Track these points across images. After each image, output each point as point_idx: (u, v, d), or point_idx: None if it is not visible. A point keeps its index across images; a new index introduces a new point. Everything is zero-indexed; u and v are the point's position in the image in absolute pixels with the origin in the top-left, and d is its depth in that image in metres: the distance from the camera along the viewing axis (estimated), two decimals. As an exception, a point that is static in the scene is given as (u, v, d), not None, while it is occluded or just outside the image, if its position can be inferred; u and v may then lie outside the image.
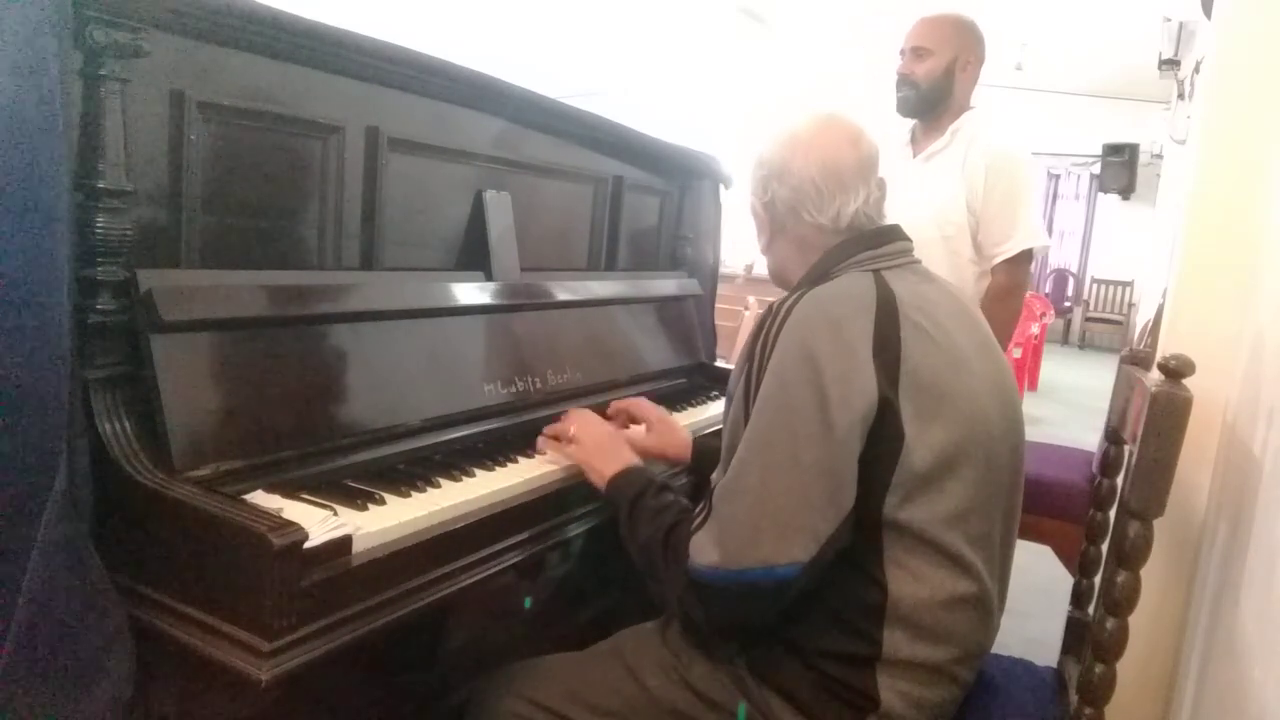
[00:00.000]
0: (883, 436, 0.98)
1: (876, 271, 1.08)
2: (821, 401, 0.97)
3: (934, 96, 2.13)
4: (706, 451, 1.45)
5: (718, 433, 1.67)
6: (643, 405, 1.51)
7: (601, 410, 1.48)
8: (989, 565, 1.07)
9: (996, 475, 1.07)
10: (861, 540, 1.01)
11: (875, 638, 1.02)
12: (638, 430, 1.48)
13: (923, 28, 2.16)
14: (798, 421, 0.98)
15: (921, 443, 0.99)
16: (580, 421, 1.32)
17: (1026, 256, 2.09)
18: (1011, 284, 2.09)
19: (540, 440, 1.34)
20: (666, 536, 1.08)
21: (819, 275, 1.10)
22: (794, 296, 1.05)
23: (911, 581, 1.01)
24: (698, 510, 1.08)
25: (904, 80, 2.16)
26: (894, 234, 1.15)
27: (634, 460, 1.25)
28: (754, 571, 0.99)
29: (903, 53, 2.18)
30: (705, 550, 1.01)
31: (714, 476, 1.11)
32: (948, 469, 1.01)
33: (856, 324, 1.01)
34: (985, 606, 1.07)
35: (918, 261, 1.16)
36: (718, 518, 1.02)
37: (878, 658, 1.02)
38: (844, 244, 1.12)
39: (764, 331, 1.05)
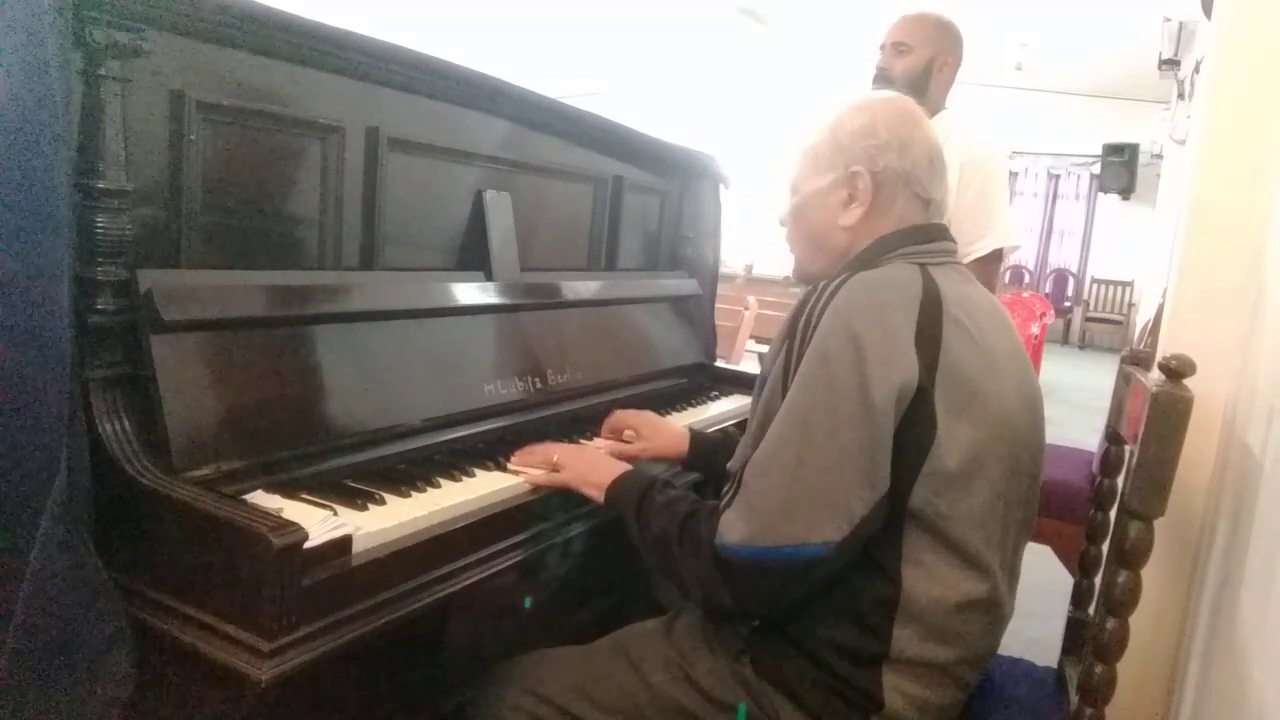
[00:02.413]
0: (916, 424, 0.98)
1: (922, 265, 1.08)
2: (862, 382, 0.97)
3: (909, 94, 2.12)
4: (705, 444, 1.45)
5: (724, 427, 1.69)
6: (624, 414, 1.49)
7: (603, 411, 1.47)
8: (1004, 570, 1.07)
9: (1018, 480, 1.07)
10: (882, 534, 1.00)
11: (885, 635, 1.02)
12: (628, 435, 1.47)
13: (904, 24, 2.16)
14: (838, 400, 0.98)
15: (951, 437, 0.99)
16: (559, 449, 1.29)
17: (997, 256, 2.10)
18: (981, 282, 2.09)
19: (517, 458, 1.27)
20: (682, 525, 1.08)
21: (864, 263, 1.10)
22: (840, 278, 1.05)
23: (926, 580, 1.01)
24: (725, 489, 1.07)
25: (881, 75, 2.16)
26: (942, 233, 1.15)
27: (627, 466, 1.25)
28: (785, 549, 0.98)
29: (882, 48, 2.18)
30: (734, 527, 1.01)
31: (730, 465, 1.11)
32: (976, 468, 1.01)
33: (901, 311, 1.01)
34: (996, 611, 1.08)
35: (959, 262, 1.16)
36: (748, 493, 1.01)
37: (885, 656, 1.02)
38: (894, 235, 1.12)
39: (807, 310, 1.05)
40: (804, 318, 1.04)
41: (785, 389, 1.03)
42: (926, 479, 0.99)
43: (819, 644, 1.04)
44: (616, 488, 1.19)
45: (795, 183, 1.19)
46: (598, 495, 1.21)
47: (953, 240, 1.16)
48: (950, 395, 1.00)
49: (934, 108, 2.16)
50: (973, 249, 2.06)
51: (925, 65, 2.12)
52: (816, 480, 0.98)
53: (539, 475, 1.25)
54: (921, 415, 0.98)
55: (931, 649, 1.02)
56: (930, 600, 1.01)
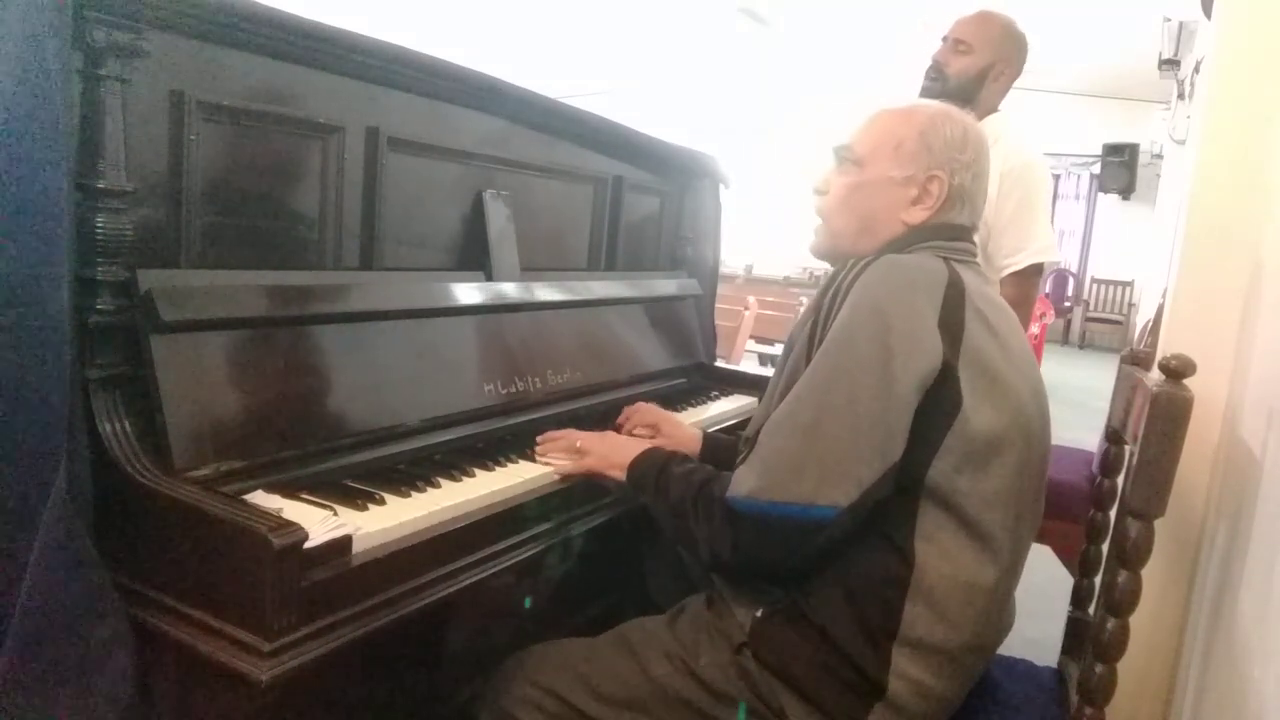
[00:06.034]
0: (941, 398, 1.01)
1: (947, 259, 1.11)
2: (885, 355, 1.00)
3: (960, 96, 2.03)
4: (717, 446, 1.47)
5: (728, 429, 1.70)
6: (649, 410, 1.53)
7: (605, 411, 1.48)
8: (1012, 557, 1.09)
9: (1029, 472, 1.09)
10: (896, 508, 1.03)
11: (896, 611, 1.03)
12: (644, 433, 1.49)
13: (970, 23, 2.09)
14: (859, 370, 1.01)
15: (976, 414, 1.02)
16: (582, 436, 1.32)
17: (1036, 270, 2.05)
18: (1020, 296, 2.03)
19: (542, 449, 1.32)
20: (698, 491, 1.10)
21: (894, 249, 1.14)
22: (870, 258, 1.08)
23: (939, 556, 1.03)
24: (740, 452, 1.11)
25: (935, 68, 2.10)
26: (967, 234, 1.19)
27: (648, 444, 1.29)
28: (791, 507, 1.00)
29: (944, 40, 2.11)
30: (744, 480, 1.04)
31: (747, 431, 1.14)
32: (993, 450, 1.04)
33: (927, 292, 1.04)
34: (1001, 598, 1.09)
35: (979, 265, 1.20)
36: (762, 450, 1.05)
37: (895, 634, 1.03)
38: (924, 228, 1.15)
39: (835, 284, 1.09)
40: (831, 292, 1.08)
41: (809, 359, 1.06)
42: (947, 453, 1.02)
43: (830, 619, 1.05)
44: (638, 465, 1.22)
45: (861, 157, 1.18)
46: (620, 475, 1.23)
47: (974, 243, 1.19)
48: (973, 376, 1.02)
49: (986, 110, 2.10)
50: (1010, 262, 2.01)
51: (982, 69, 2.06)
52: (830, 444, 1.00)
53: (565, 464, 1.28)
54: (947, 391, 1.01)
55: (940, 630, 1.03)
56: (941, 577, 1.03)
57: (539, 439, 1.33)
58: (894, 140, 1.16)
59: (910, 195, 1.15)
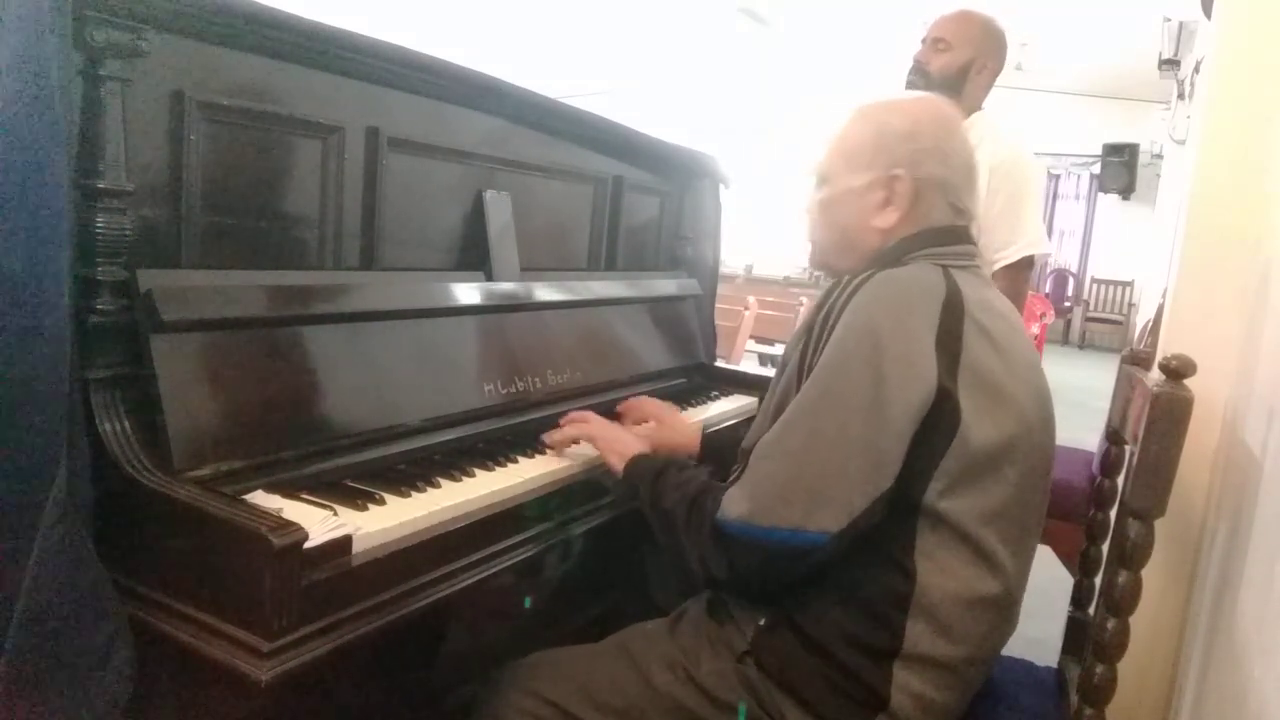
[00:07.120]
0: (940, 421, 0.99)
1: (945, 268, 1.08)
2: (877, 379, 0.98)
3: (944, 93, 2.07)
4: (715, 443, 1.47)
5: (729, 426, 1.70)
6: (648, 403, 1.54)
7: (604, 410, 1.49)
8: (1016, 570, 1.08)
9: (1032, 483, 1.08)
10: (894, 527, 1.01)
11: (898, 628, 1.02)
12: (645, 427, 1.49)
13: (948, 21, 2.12)
14: (850, 394, 0.99)
15: (975, 431, 1.00)
16: (590, 415, 1.35)
17: (1028, 263, 2.07)
18: (1011, 291, 2.04)
19: (549, 437, 1.35)
20: (692, 501, 1.10)
21: (888, 261, 1.10)
22: (863, 275, 1.05)
23: (940, 574, 1.02)
24: (734, 468, 1.10)
25: (917, 68, 2.12)
26: (965, 236, 1.15)
27: (650, 446, 1.30)
28: (781, 532, 1.00)
29: (923, 41, 2.14)
30: (736, 503, 1.03)
31: (744, 444, 1.13)
32: (993, 466, 1.02)
33: (923, 311, 1.02)
34: (1006, 610, 1.08)
35: (979, 267, 1.16)
36: (753, 474, 1.04)
37: (898, 651, 1.02)
38: (917, 235, 1.12)
39: (829, 303, 1.06)
40: (824, 311, 1.06)
41: (801, 381, 1.05)
42: (945, 473, 1.00)
43: (831, 636, 1.04)
44: (637, 461, 1.23)
45: (825, 174, 1.18)
46: (618, 464, 1.25)
47: (974, 244, 1.16)
48: (973, 394, 1.00)
49: (969, 109, 2.12)
50: (1001, 255, 2.03)
51: (963, 65, 2.08)
52: (819, 470, 0.99)
53: (570, 430, 1.33)
54: (946, 414, 0.99)
55: (942, 645, 1.03)
56: (944, 594, 1.02)
57: (558, 426, 1.36)
58: (846, 151, 1.15)
59: (877, 200, 1.12)
